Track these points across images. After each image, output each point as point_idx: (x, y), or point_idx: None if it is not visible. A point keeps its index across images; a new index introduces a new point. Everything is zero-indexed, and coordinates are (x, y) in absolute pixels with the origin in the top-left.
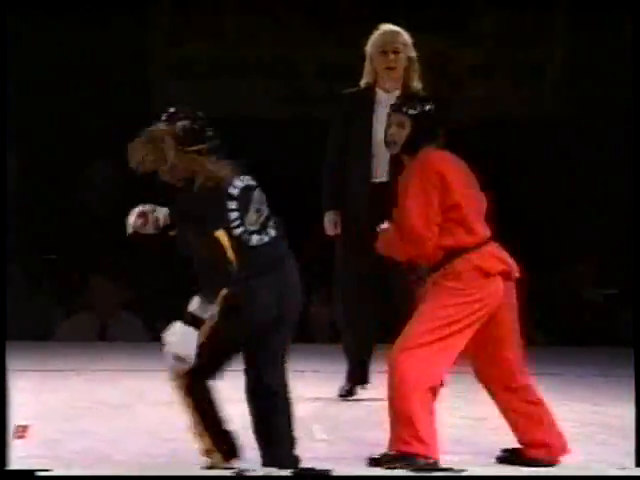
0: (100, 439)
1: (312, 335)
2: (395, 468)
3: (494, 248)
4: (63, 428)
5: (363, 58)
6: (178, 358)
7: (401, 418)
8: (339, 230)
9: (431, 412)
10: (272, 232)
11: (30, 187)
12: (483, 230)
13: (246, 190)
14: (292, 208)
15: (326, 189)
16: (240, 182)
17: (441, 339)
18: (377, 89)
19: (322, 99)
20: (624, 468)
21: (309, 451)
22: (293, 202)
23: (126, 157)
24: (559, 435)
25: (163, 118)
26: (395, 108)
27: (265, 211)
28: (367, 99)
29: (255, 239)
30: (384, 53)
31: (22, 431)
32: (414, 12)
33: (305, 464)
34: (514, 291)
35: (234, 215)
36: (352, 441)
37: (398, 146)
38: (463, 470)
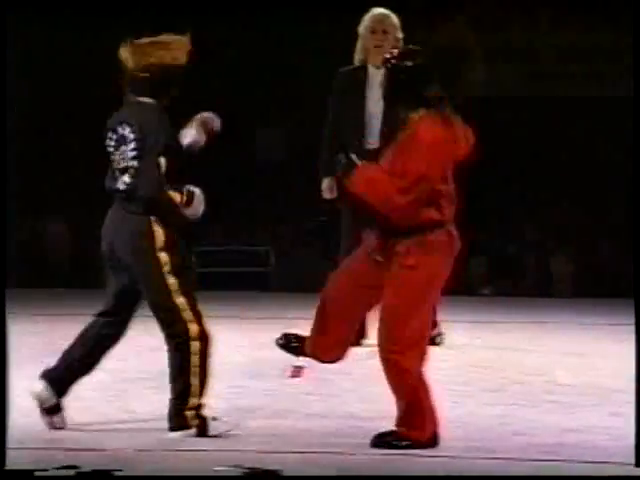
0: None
1: None
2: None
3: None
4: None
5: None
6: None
7: (412, 407)
8: (335, 194)
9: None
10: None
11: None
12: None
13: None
14: None
15: (323, 157)
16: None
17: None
18: (368, 65)
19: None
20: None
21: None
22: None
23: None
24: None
25: None
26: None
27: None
28: (360, 75)
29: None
30: (373, 32)
31: (298, 371)
32: None
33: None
34: None
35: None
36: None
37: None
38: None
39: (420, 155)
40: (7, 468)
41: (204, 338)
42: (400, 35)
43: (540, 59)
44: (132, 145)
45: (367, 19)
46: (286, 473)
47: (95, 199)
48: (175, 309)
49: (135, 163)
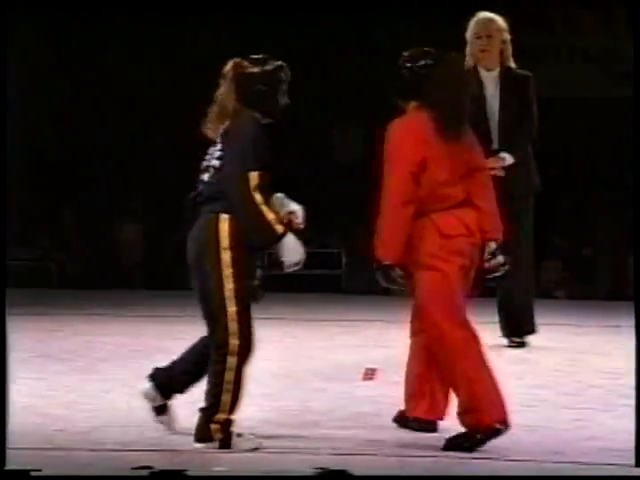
0: None
1: None
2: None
3: None
4: None
5: None
6: (297, 264)
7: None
8: None
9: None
10: (200, 184)
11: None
12: None
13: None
14: None
15: None
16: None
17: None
18: (479, 68)
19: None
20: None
21: None
22: None
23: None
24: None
25: None
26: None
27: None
28: (474, 80)
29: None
30: (479, 37)
31: (371, 374)
32: None
33: None
34: None
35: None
36: None
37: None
38: None
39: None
40: (7, 468)
41: (243, 354)
42: (507, 37)
43: None
44: (218, 146)
45: (472, 25)
46: (356, 473)
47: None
48: (223, 318)
49: (217, 163)
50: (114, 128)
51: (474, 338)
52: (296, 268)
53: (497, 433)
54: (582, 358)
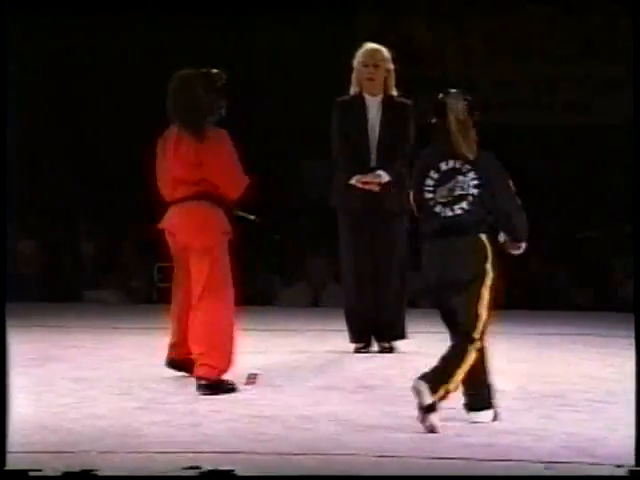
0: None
1: None
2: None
3: None
4: (287, 374)
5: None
6: None
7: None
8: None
9: None
10: (457, 210)
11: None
12: None
13: (449, 171)
14: None
15: (347, 165)
16: (445, 165)
17: None
18: (365, 94)
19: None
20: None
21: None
22: None
23: None
24: None
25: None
26: None
27: (457, 192)
28: (358, 102)
29: (438, 209)
30: (366, 66)
31: (252, 378)
32: None
33: None
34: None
35: (430, 182)
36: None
37: None
38: None
39: None
40: (7, 468)
41: (479, 353)
42: (391, 67)
43: None
44: (471, 175)
45: (360, 54)
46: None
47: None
48: (478, 318)
49: (476, 191)
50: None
51: None
52: None
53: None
54: None
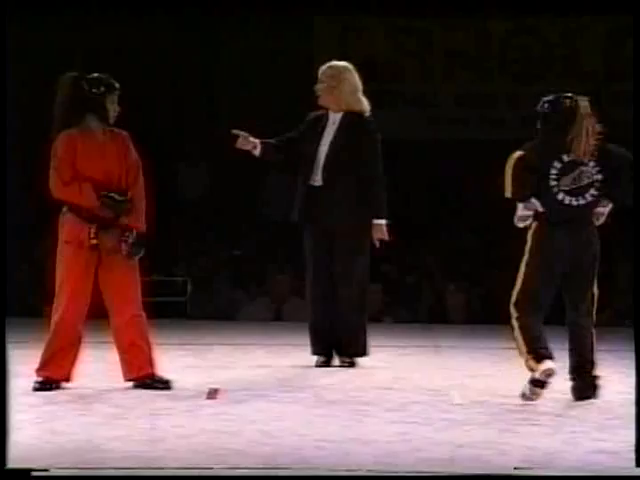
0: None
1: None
2: None
3: None
4: (248, 388)
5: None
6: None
7: None
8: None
9: None
10: (581, 201)
11: (219, 197)
12: None
13: (571, 163)
14: None
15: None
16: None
17: None
18: (329, 111)
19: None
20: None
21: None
22: None
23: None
24: None
25: None
26: None
27: (584, 182)
28: (323, 119)
29: (561, 196)
30: (319, 82)
31: (214, 393)
32: None
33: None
34: None
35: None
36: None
37: None
38: None
39: None
40: (7, 467)
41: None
42: (334, 84)
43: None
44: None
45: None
46: None
47: None
48: (593, 297)
49: (599, 177)
50: None
51: None
52: None
53: None
54: (406, 377)
